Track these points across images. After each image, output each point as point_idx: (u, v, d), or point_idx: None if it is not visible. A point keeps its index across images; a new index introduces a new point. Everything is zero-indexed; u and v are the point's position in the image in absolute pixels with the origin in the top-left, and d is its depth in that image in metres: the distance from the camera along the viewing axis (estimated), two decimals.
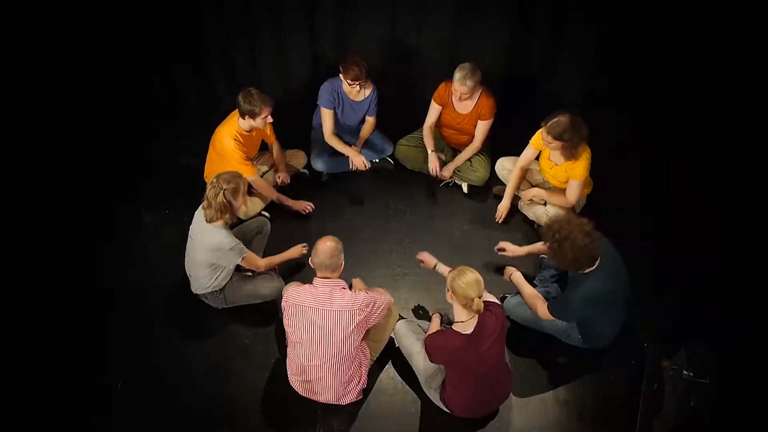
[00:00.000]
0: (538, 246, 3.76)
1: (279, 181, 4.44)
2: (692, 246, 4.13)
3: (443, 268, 3.55)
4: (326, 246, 3.22)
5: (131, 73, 4.72)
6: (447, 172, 4.49)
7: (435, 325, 3.48)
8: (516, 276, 3.66)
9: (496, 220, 4.33)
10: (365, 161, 4.42)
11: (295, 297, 3.22)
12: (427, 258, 3.68)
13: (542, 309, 3.43)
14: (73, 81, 4.61)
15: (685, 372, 3.43)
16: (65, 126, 4.65)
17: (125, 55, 4.61)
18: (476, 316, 3.07)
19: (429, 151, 4.46)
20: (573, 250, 3.09)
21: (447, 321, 3.61)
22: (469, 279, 3.01)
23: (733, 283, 3.87)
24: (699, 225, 4.20)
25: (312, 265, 3.26)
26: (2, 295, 3.84)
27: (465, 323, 3.07)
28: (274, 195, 4.30)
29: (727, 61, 4.14)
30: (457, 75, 4.07)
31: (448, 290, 3.09)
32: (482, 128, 4.36)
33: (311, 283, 3.28)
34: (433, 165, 4.42)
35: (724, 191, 4.21)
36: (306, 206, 4.38)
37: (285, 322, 3.31)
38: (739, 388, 3.40)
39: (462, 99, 4.21)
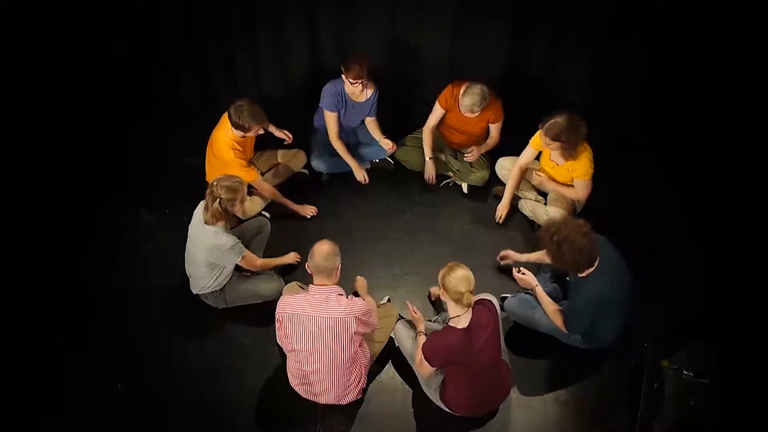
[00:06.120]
0: (540, 254, 3.71)
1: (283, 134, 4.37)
2: (692, 246, 4.14)
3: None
4: (322, 248, 3.22)
5: (131, 73, 4.72)
6: (474, 154, 4.37)
7: (420, 328, 3.42)
8: (539, 290, 3.56)
9: (496, 221, 4.32)
10: (366, 176, 4.52)
11: (290, 306, 3.22)
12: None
13: (561, 324, 3.45)
14: (73, 81, 4.60)
15: (685, 372, 3.44)
16: (65, 126, 4.64)
17: (125, 55, 4.60)
18: (470, 310, 3.10)
19: (427, 159, 4.46)
20: (571, 252, 3.09)
21: (442, 321, 3.58)
22: (459, 275, 3.06)
23: (733, 283, 3.87)
24: (698, 225, 4.20)
25: (309, 270, 3.25)
26: (2, 295, 3.83)
27: (459, 318, 3.10)
28: (279, 198, 4.27)
29: (727, 61, 4.14)
30: (467, 101, 4.01)
31: (440, 287, 3.12)
32: (495, 129, 4.38)
33: (306, 290, 3.28)
34: (429, 174, 4.48)
35: (724, 191, 4.20)
36: (309, 211, 4.36)
37: (279, 334, 3.30)
38: (739, 388, 3.40)
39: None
